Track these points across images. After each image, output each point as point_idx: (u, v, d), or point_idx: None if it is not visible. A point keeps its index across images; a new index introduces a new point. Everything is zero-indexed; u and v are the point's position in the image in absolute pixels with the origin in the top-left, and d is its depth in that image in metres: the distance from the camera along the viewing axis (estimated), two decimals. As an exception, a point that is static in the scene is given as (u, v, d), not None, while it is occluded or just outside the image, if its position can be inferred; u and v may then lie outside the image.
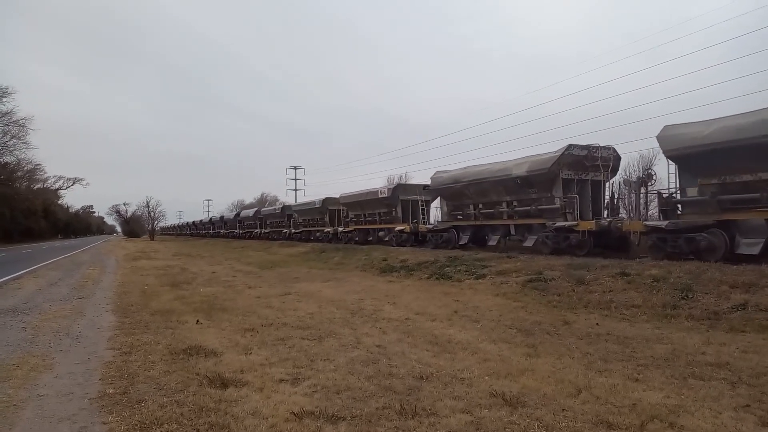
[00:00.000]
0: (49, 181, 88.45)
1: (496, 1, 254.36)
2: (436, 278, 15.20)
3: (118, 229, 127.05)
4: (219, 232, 74.03)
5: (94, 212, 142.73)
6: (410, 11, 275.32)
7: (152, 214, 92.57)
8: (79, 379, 5.53)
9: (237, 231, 63.30)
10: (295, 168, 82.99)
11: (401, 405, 4.53)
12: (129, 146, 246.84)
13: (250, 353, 6.55)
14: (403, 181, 54.42)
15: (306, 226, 41.52)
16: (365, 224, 31.31)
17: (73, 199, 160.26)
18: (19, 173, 70.43)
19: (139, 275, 18.24)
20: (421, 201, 26.34)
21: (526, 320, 8.86)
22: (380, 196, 28.80)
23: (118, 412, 4.45)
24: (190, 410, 4.44)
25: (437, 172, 24.19)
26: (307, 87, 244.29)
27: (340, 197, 34.41)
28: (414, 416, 4.30)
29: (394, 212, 28.02)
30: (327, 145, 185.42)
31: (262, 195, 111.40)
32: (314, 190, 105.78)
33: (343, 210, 34.49)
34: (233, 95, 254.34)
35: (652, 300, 9.75)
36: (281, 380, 5.37)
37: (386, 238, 28.32)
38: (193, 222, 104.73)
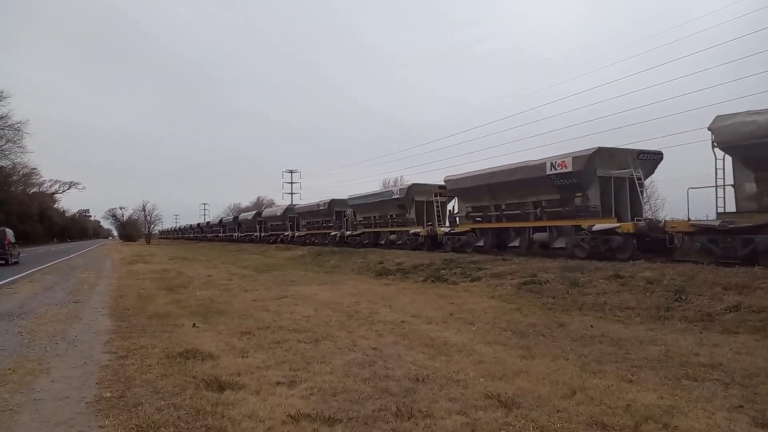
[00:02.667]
0: (45, 185, 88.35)
1: (497, 6, 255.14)
2: (432, 281, 15.24)
3: (115, 233, 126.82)
4: (232, 236, 61.98)
5: (91, 216, 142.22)
6: (409, 16, 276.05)
7: (148, 217, 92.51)
8: (75, 383, 5.54)
9: (257, 234, 51.66)
10: (291, 171, 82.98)
11: (397, 407, 4.55)
12: (125, 150, 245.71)
13: (247, 356, 6.57)
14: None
15: (370, 226, 30.66)
16: (501, 221, 19.81)
17: (69, 203, 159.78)
18: (15, 177, 70.24)
19: (135, 279, 18.23)
20: (635, 178, 15.76)
21: (521, 322, 8.90)
22: (550, 172, 17.00)
23: (114, 416, 4.46)
24: (187, 413, 4.46)
25: (719, 117, 12.94)
26: (304, 90, 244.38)
27: (446, 181, 23.39)
28: (410, 418, 4.33)
29: (579, 199, 16.51)
30: (323, 149, 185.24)
31: (258, 198, 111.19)
32: (310, 193, 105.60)
33: (436, 202, 24.82)
34: (229, 99, 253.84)
35: (646, 302, 9.81)
36: (278, 383, 5.39)
37: (557, 245, 17.46)
38: (198, 224, 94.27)
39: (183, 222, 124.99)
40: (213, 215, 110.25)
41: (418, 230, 25.23)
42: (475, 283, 13.80)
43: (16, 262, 27.23)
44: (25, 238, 70.16)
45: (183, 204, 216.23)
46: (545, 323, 8.77)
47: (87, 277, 19.46)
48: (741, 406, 4.62)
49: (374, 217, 30.31)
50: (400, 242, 26.98)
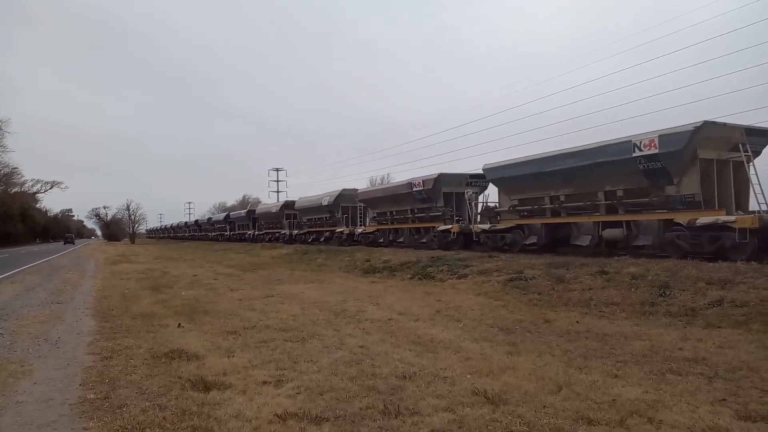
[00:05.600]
0: (27, 185, 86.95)
1: (489, 6, 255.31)
2: (419, 278, 15.27)
3: (98, 232, 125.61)
4: (244, 235, 52.02)
5: (74, 216, 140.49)
6: (402, 14, 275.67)
7: (133, 217, 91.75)
8: (58, 384, 5.46)
9: (285, 232, 40.71)
10: (277, 170, 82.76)
11: (385, 405, 4.55)
12: (108, 149, 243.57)
13: (233, 356, 6.52)
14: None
15: (541, 213, 17.64)
16: None
17: (51, 203, 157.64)
18: (-5, 177, 69.16)
19: (119, 279, 18.04)
20: None
21: (508, 319, 8.94)
22: None
23: (99, 418, 4.40)
24: (172, 414, 4.41)
25: None
26: (291, 86, 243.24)
27: None
28: (397, 416, 4.33)
29: None
30: (310, 147, 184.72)
31: (244, 197, 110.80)
32: (297, 192, 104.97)
33: (745, 156, 12.97)
34: (217, 96, 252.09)
35: (631, 297, 9.90)
36: (264, 382, 5.36)
37: None
38: (196, 221, 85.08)
39: (168, 221, 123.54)
40: (198, 214, 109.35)
41: (729, 218, 12.51)
42: (462, 281, 13.85)
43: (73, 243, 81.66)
44: (6, 239, 69.25)
45: (167, 203, 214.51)
46: (531, 319, 8.82)
47: (70, 277, 19.21)
48: (724, 400, 4.68)
49: (553, 198, 17.04)
50: (647, 243, 14.66)
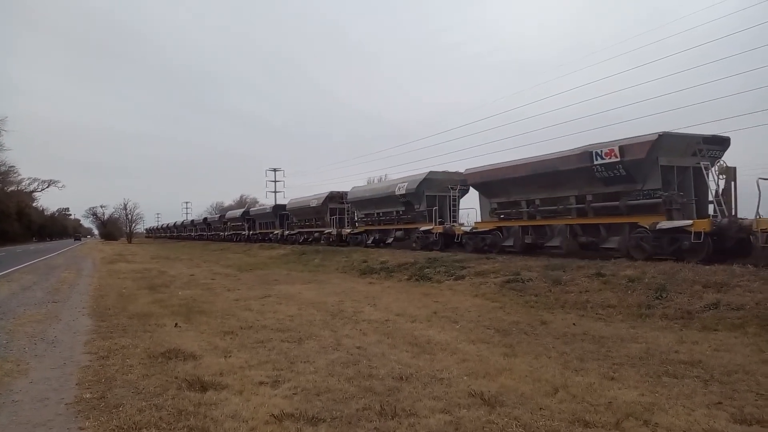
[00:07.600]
0: (24, 183, 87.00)
1: (482, 10, 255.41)
2: (416, 279, 15.26)
3: (95, 231, 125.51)
4: (269, 234, 43.20)
5: (70, 215, 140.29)
6: (393, 17, 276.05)
7: (130, 216, 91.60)
8: (54, 384, 5.45)
9: (328, 231, 32.05)
10: (275, 170, 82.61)
11: (381, 406, 4.55)
12: (107, 149, 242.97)
13: (230, 356, 6.52)
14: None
15: None
16: None
17: (48, 202, 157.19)
18: (-8, 175, 69.05)
19: (116, 278, 18.00)
20: None
21: (504, 320, 8.94)
22: None
23: (95, 417, 4.40)
24: (168, 414, 4.41)
25: None
26: (287, 88, 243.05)
27: None
28: (394, 417, 4.33)
29: None
30: (306, 147, 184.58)
31: (241, 197, 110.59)
32: (294, 192, 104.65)
33: None
34: (213, 97, 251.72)
35: (628, 300, 9.91)
36: (261, 383, 5.36)
37: None
38: (204, 219, 76.43)
39: (165, 220, 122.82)
40: (195, 214, 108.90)
41: None
42: (459, 282, 13.84)
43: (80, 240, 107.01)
44: (2, 237, 69.09)
45: (165, 203, 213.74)
46: (528, 321, 8.82)
47: (67, 276, 19.18)
48: (720, 403, 4.69)
49: None
50: None
